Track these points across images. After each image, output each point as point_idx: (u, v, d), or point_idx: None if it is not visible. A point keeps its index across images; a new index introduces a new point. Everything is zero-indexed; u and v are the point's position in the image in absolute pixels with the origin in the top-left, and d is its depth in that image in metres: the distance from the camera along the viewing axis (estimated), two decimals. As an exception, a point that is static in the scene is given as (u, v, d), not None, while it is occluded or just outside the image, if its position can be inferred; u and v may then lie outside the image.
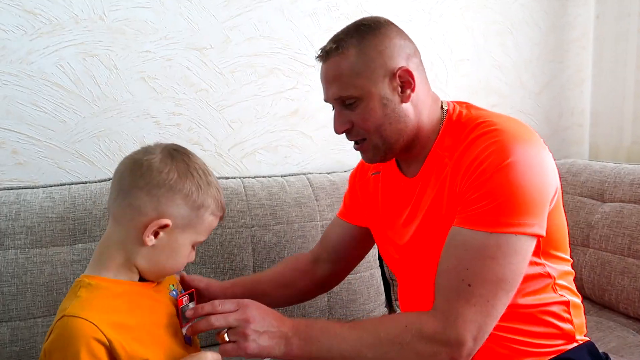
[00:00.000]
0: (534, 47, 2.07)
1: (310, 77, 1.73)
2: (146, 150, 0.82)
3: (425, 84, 0.96)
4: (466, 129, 0.90)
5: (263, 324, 0.81)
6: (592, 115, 2.13)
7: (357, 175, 1.18)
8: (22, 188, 1.30)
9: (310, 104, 1.73)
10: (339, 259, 1.20)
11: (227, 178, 1.48)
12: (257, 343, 0.80)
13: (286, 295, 1.16)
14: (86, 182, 1.36)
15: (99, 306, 0.75)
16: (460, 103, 0.99)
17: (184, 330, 0.85)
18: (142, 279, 0.84)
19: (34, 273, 1.19)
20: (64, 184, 1.33)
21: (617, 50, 2.01)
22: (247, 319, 0.80)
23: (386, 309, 1.55)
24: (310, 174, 1.57)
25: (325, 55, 0.93)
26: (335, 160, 1.78)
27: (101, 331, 0.71)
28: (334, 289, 1.43)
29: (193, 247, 0.84)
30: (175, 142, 0.87)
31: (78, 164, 1.49)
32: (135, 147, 0.86)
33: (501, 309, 0.82)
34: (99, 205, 1.29)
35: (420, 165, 0.96)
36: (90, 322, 0.71)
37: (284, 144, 1.72)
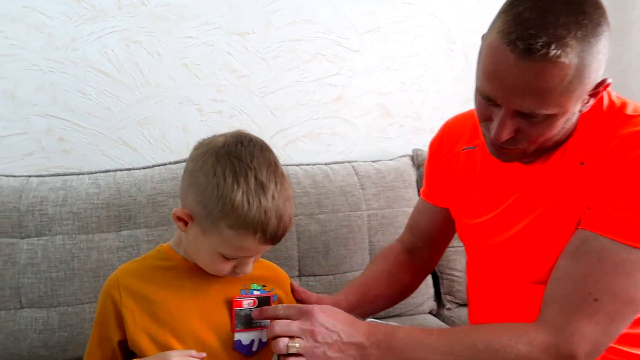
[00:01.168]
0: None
1: (354, 62, 1.67)
2: (224, 134, 0.76)
3: None
4: (611, 121, 0.77)
5: (332, 334, 0.72)
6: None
7: (443, 148, 1.02)
8: (69, 174, 1.30)
9: (354, 90, 1.68)
10: (434, 244, 1.10)
11: (269, 165, 1.44)
12: (327, 356, 0.71)
13: (396, 292, 1.06)
14: (130, 169, 1.35)
15: (137, 269, 0.78)
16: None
17: (237, 336, 0.79)
18: None
19: (81, 259, 1.19)
20: (109, 171, 1.33)
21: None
22: (312, 330, 0.71)
23: (434, 303, 1.49)
24: (355, 162, 1.52)
25: (537, 56, 0.66)
26: (380, 149, 1.73)
27: (119, 290, 0.75)
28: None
29: (225, 257, 0.74)
30: (236, 130, 0.79)
31: (122, 151, 1.48)
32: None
33: (622, 330, 0.73)
34: (143, 192, 1.28)
35: (542, 153, 0.82)
36: (117, 277, 0.76)
37: (327, 131, 1.67)
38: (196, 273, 0.79)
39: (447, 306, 1.48)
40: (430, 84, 1.76)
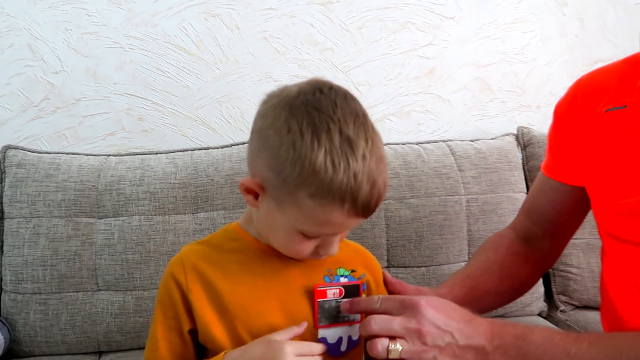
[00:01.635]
0: None
1: (449, 30, 1.49)
2: (297, 83, 0.62)
3: None
4: None
5: (444, 334, 0.58)
6: None
7: (576, 111, 0.82)
8: (147, 153, 1.25)
9: (448, 62, 1.50)
10: (558, 232, 0.91)
11: (355, 145, 1.31)
12: None
13: (510, 288, 0.88)
14: (208, 148, 1.27)
15: (203, 252, 0.67)
16: None
17: (321, 333, 0.66)
18: None
19: (157, 241, 1.13)
20: (187, 150, 1.26)
21: None
22: (419, 329, 0.58)
23: (545, 304, 1.29)
24: (451, 140, 1.35)
25: None
26: (478, 128, 1.53)
27: (185, 274, 0.65)
28: (482, 276, 1.21)
29: (305, 236, 0.60)
30: (312, 77, 0.65)
31: (200, 131, 1.42)
32: None
33: None
34: (221, 172, 1.20)
35: None
36: (181, 259, 0.66)
37: (418, 109, 1.51)
38: (271, 256, 0.67)
39: (560, 308, 1.27)
40: (537, 54, 1.54)
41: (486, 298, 0.84)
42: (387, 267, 1.21)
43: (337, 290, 0.66)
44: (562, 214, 0.88)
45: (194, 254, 0.67)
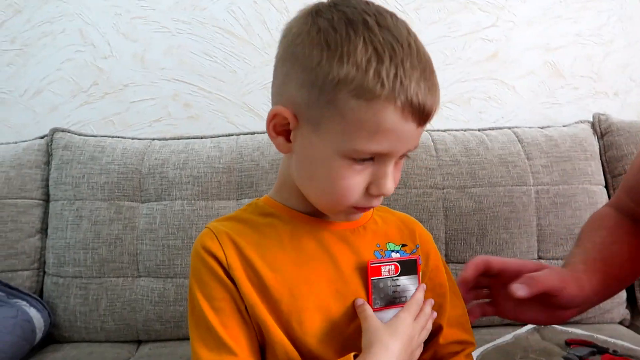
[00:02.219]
0: None
1: (514, 10, 1.37)
2: None
3: None
4: None
5: None
6: None
7: None
8: (192, 138, 1.20)
9: (514, 45, 1.38)
10: None
11: (411, 131, 1.21)
12: None
13: (633, 272, 0.77)
14: (254, 133, 1.21)
15: (235, 227, 0.58)
16: None
17: (377, 315, 0.56)
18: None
19: (199, 227, 1.07)
20: (232, 134, 1.21)
21: None
22: None
23: (627, 312, 1.13)
24: (517, 127, 1.23)
25: None
26: (545, 117, 1.40)
27: (221, 246, 0.56)
28: (554, 276, 1.07)
29: (354, 161, 0.50)
30: None
31: (247, 118, 1.36)
32: None
33: None
34: (267, 156, 1.13)
35: None
36: (214, 233, 0.56)
37: (479, 95, 1.39)
38: (313, 229, 0.58)
39: (646, 316, 1.12)
40: (615, 36, 1.40)
41: (619, 284, 0.75)
42: (447, 262, 1.09)
43: (393, 267, 0.57)
44: None
45: (226, 228, 0.58)
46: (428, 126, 1.40)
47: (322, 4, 0.53)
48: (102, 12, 1.33)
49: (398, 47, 0.48)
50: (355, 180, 0.52)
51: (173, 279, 1.06)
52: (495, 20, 1.37)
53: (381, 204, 0.58)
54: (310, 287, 0.56)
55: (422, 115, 0.50)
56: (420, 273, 0.59)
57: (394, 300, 0.58)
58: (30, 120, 1.33)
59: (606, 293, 0.74)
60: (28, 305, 0.99)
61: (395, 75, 0.47)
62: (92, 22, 1.33)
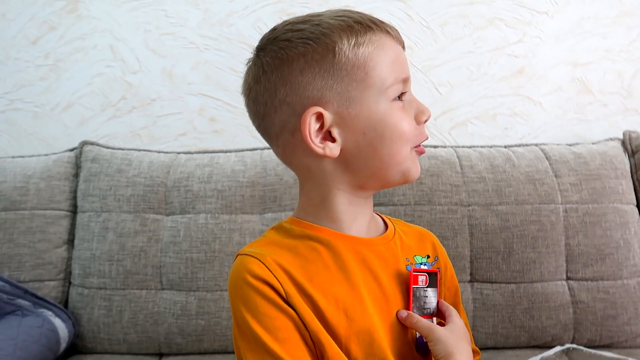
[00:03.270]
0: None
1: (541, 26, 1.36)
2: None
3: None
4: None
5: None
6: None
7: None
8: (217, 152, 1.21)
9: (540, 61, 1.36)
10: None
11: (435, 147, 1.20)
12: None
13: None
14: (278, 147, 1.21)
15: (270, 247, 0.56)
16: None
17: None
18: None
19: (222, 240, 1.08)
20: (256, 149, 1.21)
21: None
22: None
23: (660, 335, 1.09)
24: (545, 144, 1.20)
25: None
26: (573, 134, 1.37)
27: (272, 273, 0.53)
28: (583, 297, 1.05)
29: (400, 101, 0.56)
30: None
31: (271, 133, 1.37)
32: None
33: None
34: (290, 171, 1.12)
35: None
36: (261, 261, 0.54)
37: (505, 112, 1.37)
38: (352, 246, 0.57)
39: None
40: (646, 52, 1.36)
41: None
42: (470, 281, 1.08)
43: (424, 278, 0.58)
44: None
45: (269, 253, 0.55)
46: (453, 142, 1.39)
47: (260, 42, 0.60)
48: (133, 28, 1.36)
49: (345, 9, 0.58)
50: (407, 114, 0.57)
51: (196, 292, 1.06)
52: (522, 36, 1.36)
53: (405, 220, 0.59)
54: (363, 307, 0.55)
55: (401, 39, 0.59)
56: (441, 285, 0.60)
57: (422, 310, 0.58)
58: (61, 133, 1.37)
59: None
60: (53, 315, 1.01)
61: (367, 20, 0.56)
62: (122, 38, 1.36)
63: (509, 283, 1.06)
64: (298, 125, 0.55)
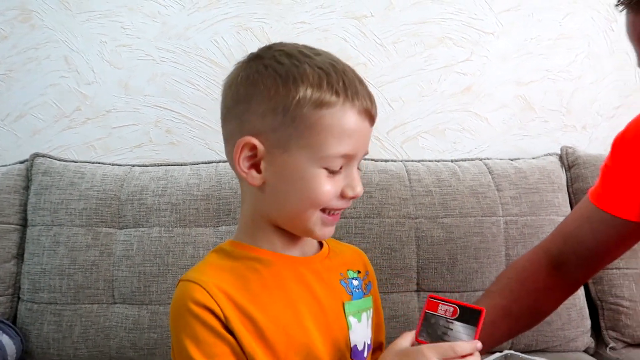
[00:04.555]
0: None
1: (488, 46, 1.43)
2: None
3: None
4: None
5: None
6: None
7: (636, 143, 0.80)
8: (171, 165, 1.22)
9: (487, 79, 1.43)
10: (595, 262, 0.88)
11: (386, 161, 1.25)
12: None
13: (533, 314, 0.88)
14: (233, 161, 1.24)
15: (212, 271, 0.58)
16: None
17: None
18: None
19: (176, 254, 1.09)
20: (211, 162, 1.23)
21: None
22: None
23: (592, 340, 1.17)
24: (488, 159, 1.27)
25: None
26: (517, 148, 1.45)
27: (214, 299, 0.54)
28: (522, 306, 1.10)
29: (328, 170, 0.56)
30: None
31: (228, 145, 1.39)
32: None
33: None
34: (245, 184, 1.16)
35: None
36: (202, 287, 0.55)
37: (454, 127, 1.44)
38: (291, 266, 0.61)
39: (610, 345, 1.15)
40: (583, 72, 1.46)
41: (503, 323, 0.83)
42: (417, 290, 1.13)
43: (452, 309, 0.57)
44: (605, 245, 0.84)
45: (211, 278, 0.56)
46: (405, 155, 1.43)
47: (257, 51, 0.60)
48: (88, 40, 1.36)
49: (335, 64, 0.57)
50: (331, 185, 0.57)
51: (148, 305, 1.07)
52: (469, 54, 1.43)
53: (355, 233, 0.61)
54: (301, 323, 0.58)
55: (372, 115, 0.58)
56: (480, 328, 0.55)
57: (437, 338, 0.56)
58: (12, 144, 1.35)
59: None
60: (0, 332, 1.00)
61: (344, 84, 0.55)
62: (77, 49, 1.36)
63: (453, 292, 1.11)
64: (234, 154, 0.57)
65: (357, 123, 0.56)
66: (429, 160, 1.26)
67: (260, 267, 0.59)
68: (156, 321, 1.06)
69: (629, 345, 1.14)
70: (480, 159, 1.27)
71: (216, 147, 1.39)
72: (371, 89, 1.38)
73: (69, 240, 1.09)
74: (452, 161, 1.26)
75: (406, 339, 0.56)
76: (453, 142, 1.44)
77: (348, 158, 0.57)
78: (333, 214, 0.59)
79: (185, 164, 1.23)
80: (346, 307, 0.62)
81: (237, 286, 0.57)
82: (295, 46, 0.59)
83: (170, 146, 1.38)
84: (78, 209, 1.11)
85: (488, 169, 1.22)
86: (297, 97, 0.54)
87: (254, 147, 0.56)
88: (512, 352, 1.06)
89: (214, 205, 1.14)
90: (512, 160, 1.28)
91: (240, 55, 1.33)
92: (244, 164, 0.57)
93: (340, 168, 0.57)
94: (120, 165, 1.22)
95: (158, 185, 1.15)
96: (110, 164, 1.22)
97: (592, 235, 0.84)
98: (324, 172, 0.56)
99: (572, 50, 1.45)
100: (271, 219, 0.60)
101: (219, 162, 1.24)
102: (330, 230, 0.61)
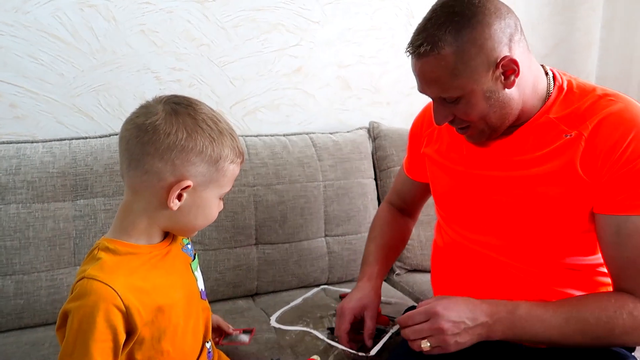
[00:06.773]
0: (543, 7, 2.02)
1: (314, 33, 1.68)
2: (147, 112, 0.75)
3: (528, 58, 0.87)
4: (585, 101, 0.86)
5: (458, 324, 0.80)
6: (598, 80, 2.10)
7: (421, 133, 1.13)
8: (22, 142, 1.27)
9: (314, 61, 1.70)
10: (416, 208, 1.27)
11: (229, 136, 1.46)
12: (458, 342, 0.81)
13: (402, 244, 1.27)
14: (87, 138, 1.33)
15: (118, 270, 0.73)
16: (558, 71, 0.94)
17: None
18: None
19: (36, 228, 1.19)
20: (64, 139, 1.31)
21: (628, 12, 1.96)
22: (440, 328, 0.80)
23: (386, 269, 1.57)
24: (313, 133, 1.55)
25: (418, 55, 0.83)
26: (338, 120, 1.76)
27: (119, 296, 0.70)
28: (335, 249, 1.44)
29: (220, 198, 0.83)
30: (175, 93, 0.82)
31: (77, 119, 1.46)
32: (136, 103, 0.81)
33: None
34: (100, 161, 1.28)
35: (515, 128, 0.91)
36: (109, 286, 0.70)
37: (287, 102, 1.69)
38: (155, 251, 0.80)
39: (396, 272, 1.56)
40: (389, 58, 1.80)
41: (393, 256, 1.21)
42: (256, 244, 1.39)
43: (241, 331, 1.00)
44: (417, 197, 1.24)
45: (114, 274, 0.72)
46: (246, 128, 1.65)
47: (172, 103, 0.77)
48: None
49: (233, 132, 0.82)
50: (219, 207, 0.84)
51: (12, 276, 1.16)
52: (299, 40, 1.67)
53: None
54: (174, 288, 0.82)
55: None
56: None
57: None
58: None
59: (389, 263, 1.19)
60: None
61: (238, 147, 0.81)
62: None
63: (284, 243, 1.41)
64: (170, 182, 0.75)
65: (237, 172, 0.83)
66: (265, 135, 1.50)
67: (145, 256, 0.79)
68: (22, 289, 1.16)
69: (408, 271, 1.57)
70: (307, 133, 1.55)
71: (65, 120, 1.45)
72: (215, 68, 1.57)
73: None
74: (284, 135, 1.52)
75: None
76: (286, 115, 1.69)
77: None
78: None
79: (36, 141, 1.28)
80: (192, 265, 0.88)
81: (135, 273, 0.75)
82: (207, 113, 0.79)
83: (16, 120, 1.40)
84: None
85: (312, 142, 1.51)
86: (221, 155, 0.77)
87: (187, 187, 0.76)
88: (327, 286, 1.40)
89: (71, 182, 1.24)
90: (331, 134, 1.58)
91: (86, 32, 1.42)
92: (173, 195, 0.76)
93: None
94: (-35, 143, 1.24)
95: (11, 164, 1.20)
96: (-46, 143, 1.23)
97: (410, 193, 1.23)
98: (218, 202, 0.82)
99: (380, 39, 1.77)
100: (162, 227, 0.80)
101: (72, 139, 1.32)
102: None
